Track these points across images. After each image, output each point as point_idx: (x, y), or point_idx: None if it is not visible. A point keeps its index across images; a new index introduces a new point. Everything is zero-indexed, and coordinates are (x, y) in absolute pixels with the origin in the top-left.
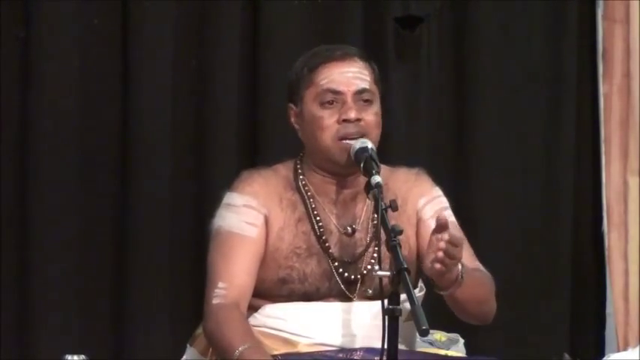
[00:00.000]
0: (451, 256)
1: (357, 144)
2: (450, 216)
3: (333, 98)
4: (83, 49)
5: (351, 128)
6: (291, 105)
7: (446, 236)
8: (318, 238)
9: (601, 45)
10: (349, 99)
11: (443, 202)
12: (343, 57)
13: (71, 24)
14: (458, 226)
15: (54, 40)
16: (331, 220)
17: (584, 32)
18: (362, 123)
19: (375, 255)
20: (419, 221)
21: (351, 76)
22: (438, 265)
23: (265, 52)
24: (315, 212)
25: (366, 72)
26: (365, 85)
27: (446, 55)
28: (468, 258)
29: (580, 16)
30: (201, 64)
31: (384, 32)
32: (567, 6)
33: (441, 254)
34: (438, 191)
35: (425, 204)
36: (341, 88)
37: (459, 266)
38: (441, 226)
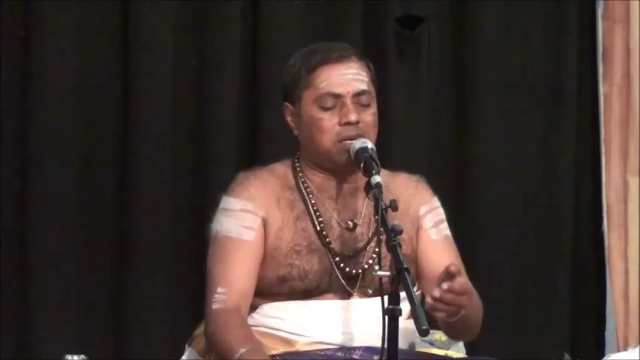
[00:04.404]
0: (457, 304)
1: (357, 144)
2: (445, 229)
3: (333, 103)
4: (83, 49)
5: (351, 130)
6: (288, 104)
7: (456, 286)
8: (319, 233)
9: (601, 45)
10: (348, 101)
11: (440, 213)
12: (341, 58)
13: (71, 24)
14: (452, 241)
15: (54, 40)
16: (332, 215)
17: (584, 32)
18: (361, 125)
19: (377, 250)
20: (419, 228)
21: (350, 77)
22: (440, 314)
23: (265, 52)
24: (315, 208)
25: (364, 72)
26: (363, 86)
27: (446, 55)
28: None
29: (580, 16)
30: (201, 64)
31: (384, 32)
32: (567, 6)
33: (441, 305)
34: (436, 201)
35: (425, 213)
36: (340, 90)
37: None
38: (451, 275)
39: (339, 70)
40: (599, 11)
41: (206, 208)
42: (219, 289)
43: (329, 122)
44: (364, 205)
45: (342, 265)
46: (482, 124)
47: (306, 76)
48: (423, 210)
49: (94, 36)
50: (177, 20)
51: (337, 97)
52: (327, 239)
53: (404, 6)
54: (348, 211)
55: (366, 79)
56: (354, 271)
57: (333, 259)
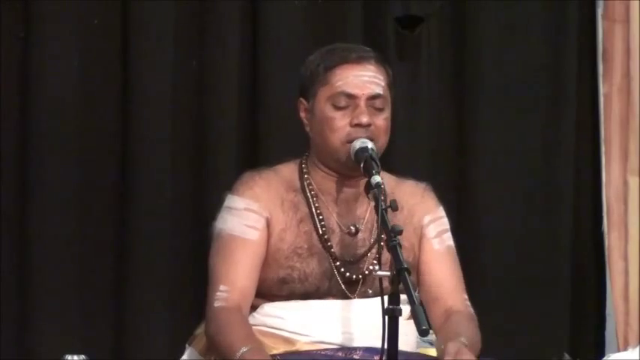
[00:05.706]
0: None
1: (357, 144)
2: (449, 239)
3: (346, 102)
4: (83, 49)
5: (361, 132)
6: (302, 99)
7: None
8: (321, 237)
9: (601, 45)
10: (362, 103)
11: (445, 223)
12: (360, 60)
13: (71, 24)
14: (454, 252)
15: (54, 40)
16: (334, 219)
17: (584, 32)
18: (372, 128)
19: (378, 252)
20: (422, 237)
21: (366, 79)
22: None
23: (265, 52)
24: (319, 211)
25: (381, 76)
26: (379, 90)
27: (446, 55)
28: (457, 292)
29: (580, 16)
30: (201, 64)
31: (384, 32)
32: (567, 6)
33: None
34: (441, 211)
35: (430, 222)
36: (355, 91)
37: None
38: None
39: (356, 71)
40: (599, 11)
41: (206, 208)
42: (221, 287)
43: (340, 122)
44: (367, 211)
45: (342, 269)
46: (482, 124)
47: (324, 73)
48: (427, 219)
49: (94, 36)
50: (177, 20)
51: (351, 97)
52: (329, 243)
53: (404, 6)
54: (350, 216)
55: (383, 84)
56: (354, 276)
57: (334, 263)
